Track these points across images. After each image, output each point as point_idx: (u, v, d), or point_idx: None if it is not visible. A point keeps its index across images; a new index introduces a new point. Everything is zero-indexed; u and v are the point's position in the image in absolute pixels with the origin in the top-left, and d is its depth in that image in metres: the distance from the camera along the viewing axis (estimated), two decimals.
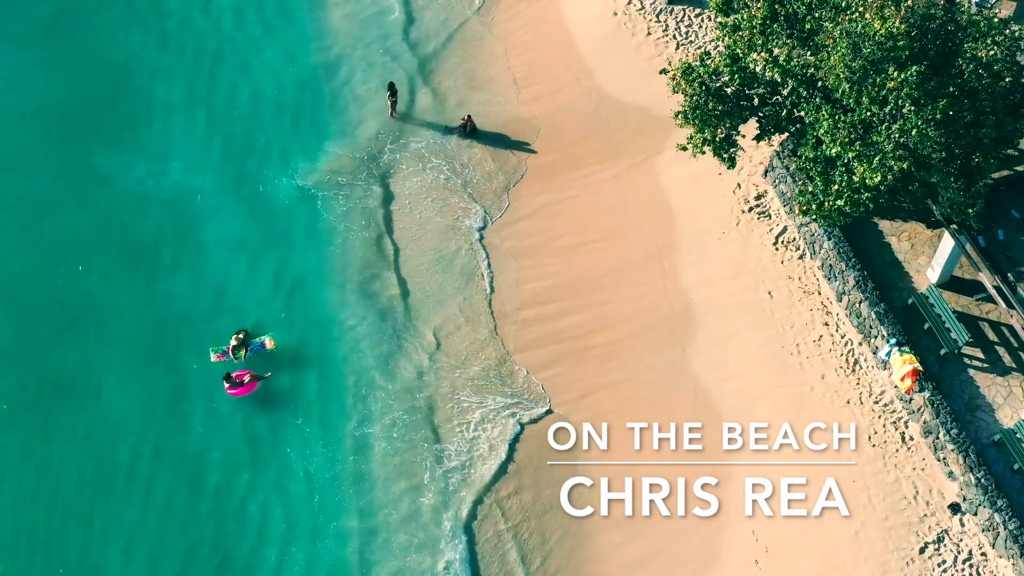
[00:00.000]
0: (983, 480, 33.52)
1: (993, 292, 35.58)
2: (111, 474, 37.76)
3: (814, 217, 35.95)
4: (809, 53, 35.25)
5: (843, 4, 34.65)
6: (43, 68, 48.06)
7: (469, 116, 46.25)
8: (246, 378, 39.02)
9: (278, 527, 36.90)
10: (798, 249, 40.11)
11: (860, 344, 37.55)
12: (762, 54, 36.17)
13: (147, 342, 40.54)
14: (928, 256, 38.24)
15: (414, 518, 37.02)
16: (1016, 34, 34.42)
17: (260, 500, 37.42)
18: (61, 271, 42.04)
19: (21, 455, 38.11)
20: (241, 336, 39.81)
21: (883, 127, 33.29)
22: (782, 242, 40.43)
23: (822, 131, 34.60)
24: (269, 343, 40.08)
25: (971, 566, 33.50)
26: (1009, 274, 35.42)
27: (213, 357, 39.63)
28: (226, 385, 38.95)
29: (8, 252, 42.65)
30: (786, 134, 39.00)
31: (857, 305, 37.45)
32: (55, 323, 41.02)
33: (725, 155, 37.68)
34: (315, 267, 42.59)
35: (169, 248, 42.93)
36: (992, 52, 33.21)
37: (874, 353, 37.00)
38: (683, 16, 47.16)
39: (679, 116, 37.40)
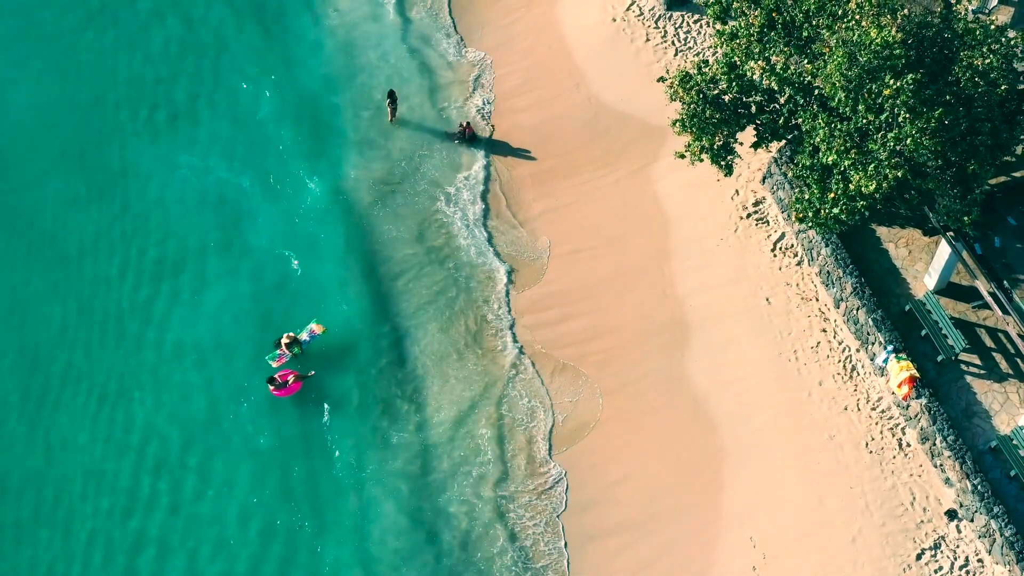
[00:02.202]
0: (980, 487, 33.64)
1: (989, 299, 35.71)
2: (160, 478, 38.19)
3: (810, 224, 36.07)
4: (806, 61, 35.36)
5: (840, 12, 34.73)
6: (70, 72, 48.88)
7: (468, 122, 46.43)
8: (290, 379, 39.20)
9: (321, 526, 37.30)
10: (796, 255, 40.24)
11: (858, 350, 37.69)
12: (759, 62, 36.28)
13: (190, 346, 40.88)
14: (925, 262, 38.36)
15: (437, 518, 37.60)
16: (1012, 41, 34.48)
17: (305, 500, 37.73)
18: (102, 270, 42.77)
19: (54, 453, 38.73)
20: (292, 335, 40.02)
21: (879, 135, 33.41)
22: (780, 248, 40.56)
23: (818, 139, 34.72)
24: (317, 328, 40.40)
25: (968, 573, 33.62)
26: (1005, 281, 35.52)
27: (275, 363, 39.81)
28: (270, 387, 39.15)
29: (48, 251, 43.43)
30: (783, 141, 39.11)
31: (855, 311, 37.59)
32: (90, 324, 41.58)
33: (723, 163, 37.79)
34: (342, 270, 42.94)
35: (198, 252, 43.47)
36: (988, 60, 33.27)
37: (871, 359, 37.14)
38: (682, 22, 47.25)
39: (677, 124, 37.54)
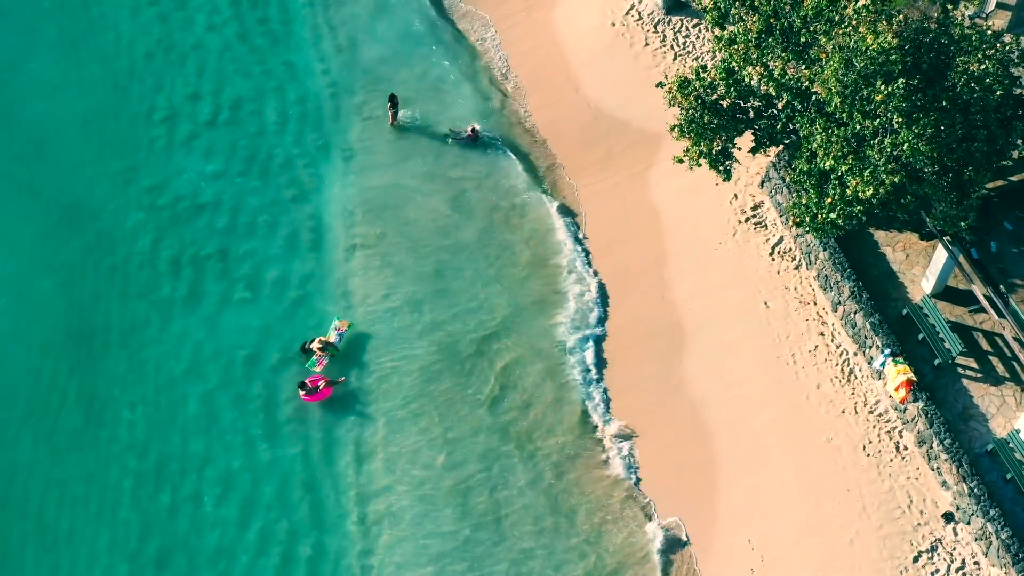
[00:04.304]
0: (976, 490, 33.85)
1: (985, 303, 35.91)
2: (201, 486, 38.29)
3: (808, 229, 36.27)
4: (804, 66, 35.53)
5: (837, 18, 34.90)
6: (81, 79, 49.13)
7: (472, 126, 46.51)
8: (321, 384, 39.37)
9: (357, 527, 37.53)
10: (794, 259, 40.44)
11: (855, 354, 37.89)
12: (757, 68, 36.45)
13: (218, 355, 41.00)
14: (923, 266, 38.55)
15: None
16: (1007, 47, 34.67)
17: (338, 502, 37.84)
18: (105, 275, 42.93)
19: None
20: (322, 338, 40.20)
21: (875, 141, 33.60)
22: (778, 252, 40.77)
23: (816, 144, 34.89)
24: (342, 325, 40.69)
25: (964, 575, 33.84)
26: (1001, 285, 35.74)
27: (317, 368, 39.95)
28: (301, 393, 39.35)
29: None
30: (781, 146, 39.29)
31: (852, 315, 37.80)
32: (95, 327, 41.75)
33: (721, 167, 37.97)
34: (349, 272, 43.10)
35: (201, 259, 43.52)
36: (984, 66, 33.44)
37: (869, 363, 37.34)
38: (680, 27, 47.40)
39: (675, 129, 37.71)
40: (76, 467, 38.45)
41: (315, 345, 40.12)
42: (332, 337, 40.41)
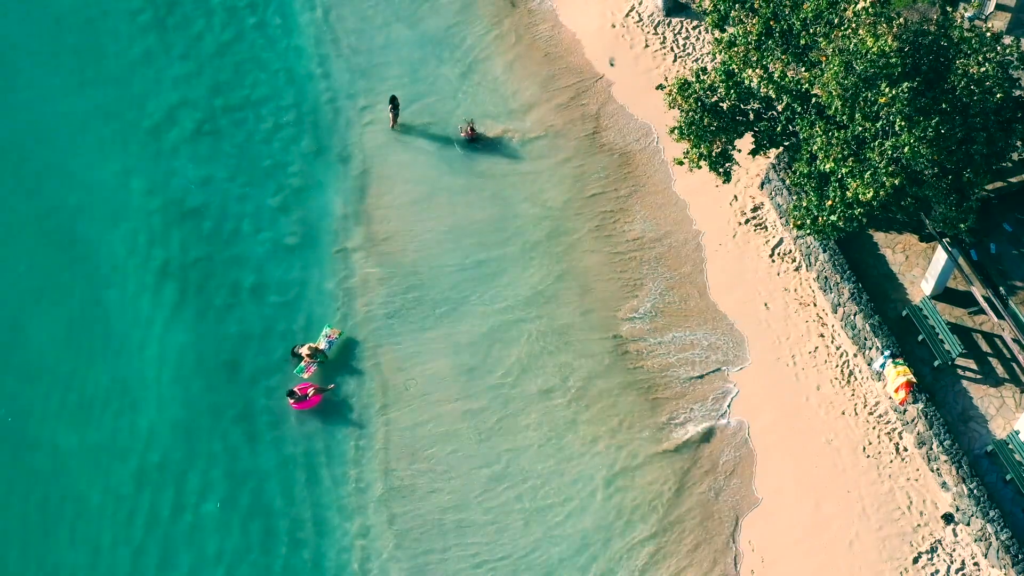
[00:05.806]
0: (976, 491, 33.95)
1: (984, 304, 35.99)
2: (191, 492, 38.27)
3: (808, 231, 36.33)
4: (804, 69, 35.60)
5: (837, 20, 34.98)
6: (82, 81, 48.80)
7: (472, 127, 46.51)
8: (310, 391, 39.32)
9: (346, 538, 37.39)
10: (794, 261, 40.52)
11: (855, 355, 37.97)
12: (757, 70, 36.50)
13: (207, 360, 40.81)
14: (922, 268, 38.63)
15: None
16: (1007, 50, 34.74)
17: (334, 507, 37.80)
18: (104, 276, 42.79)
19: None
20: (311, 345, 40.13)
21: (876, 143, 33.68)
22: (778, 254, 40.84)
23: (816, 147, 34.94)
24: (333, 333, 40.59)
25: None
26: (1000, 287, 35.81)
27: (305, 374, 39.89)
28: (291, 401, 39.27)
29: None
30: (781, 148, 39.35)
31: (852, 317, 37.88)
32: (92, 332, 41.60)
33: (721, 170, 38.04)
34: (346, 276, 42.92)
35: (197, 263, 43.29)
36: (984, 68, 33.53)
37: (869, 364, 37.42)
38: (680, 29, 47.43)
39: (675, 131, 37.78)
40: (69, 471, 38.51)
41: (304, 351, 40.08)
42: (322, 344, 40.33)
